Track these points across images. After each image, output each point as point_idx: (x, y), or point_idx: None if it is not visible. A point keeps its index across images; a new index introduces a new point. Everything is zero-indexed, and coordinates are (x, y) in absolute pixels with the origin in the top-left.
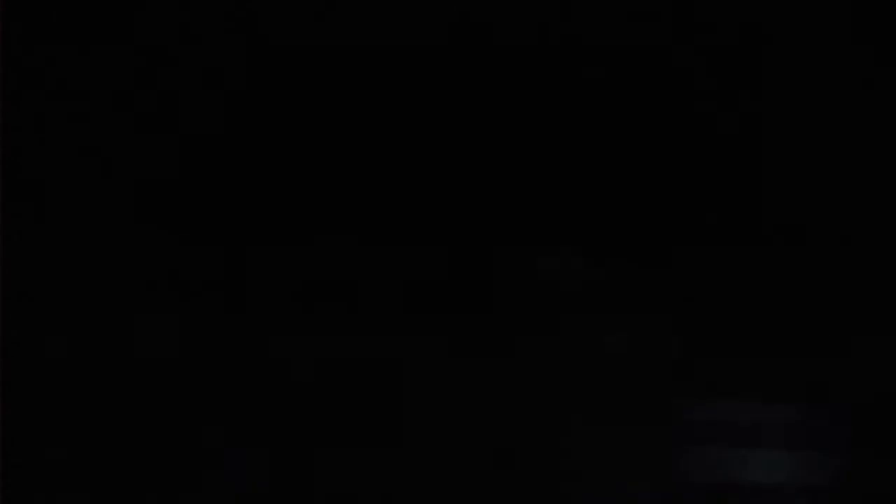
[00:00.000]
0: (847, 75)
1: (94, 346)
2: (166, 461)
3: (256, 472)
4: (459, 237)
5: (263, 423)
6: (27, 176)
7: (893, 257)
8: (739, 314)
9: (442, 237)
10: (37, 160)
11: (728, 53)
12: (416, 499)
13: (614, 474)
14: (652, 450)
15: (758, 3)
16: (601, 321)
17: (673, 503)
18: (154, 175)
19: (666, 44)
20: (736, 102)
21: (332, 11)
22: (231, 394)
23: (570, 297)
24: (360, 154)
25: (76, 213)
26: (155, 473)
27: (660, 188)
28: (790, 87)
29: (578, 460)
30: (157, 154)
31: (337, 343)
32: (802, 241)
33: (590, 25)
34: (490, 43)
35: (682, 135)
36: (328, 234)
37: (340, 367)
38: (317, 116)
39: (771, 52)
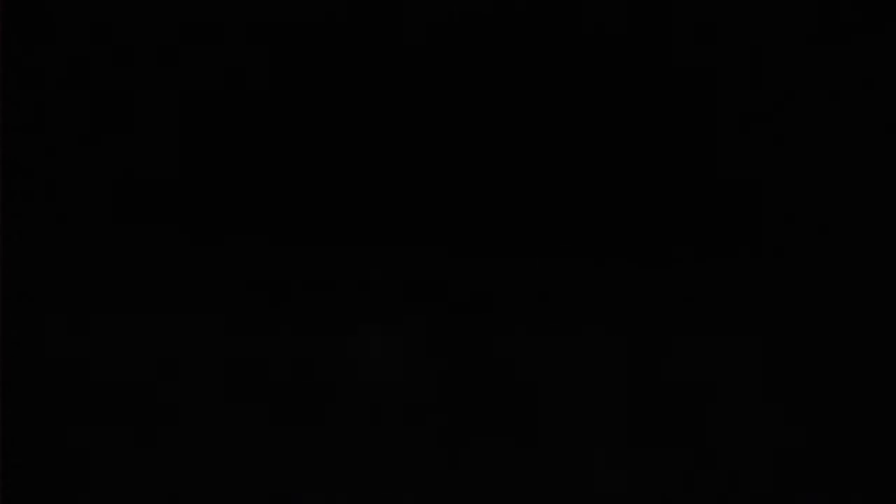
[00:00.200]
0: (847, 75)
1: (94, 346)
2: (166, 461)
3: (253, 470)
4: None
5: (261, 424)
6: (27, 176)
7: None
8: None
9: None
10: (37, 160)
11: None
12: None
13: None
14: None
15: (758, 3)
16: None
17: None
18: (154, 175)
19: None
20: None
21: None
22: (231, 393)
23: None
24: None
25: (76, 213)
26: (154, 473)
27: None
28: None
29: None
30: (157, 154)
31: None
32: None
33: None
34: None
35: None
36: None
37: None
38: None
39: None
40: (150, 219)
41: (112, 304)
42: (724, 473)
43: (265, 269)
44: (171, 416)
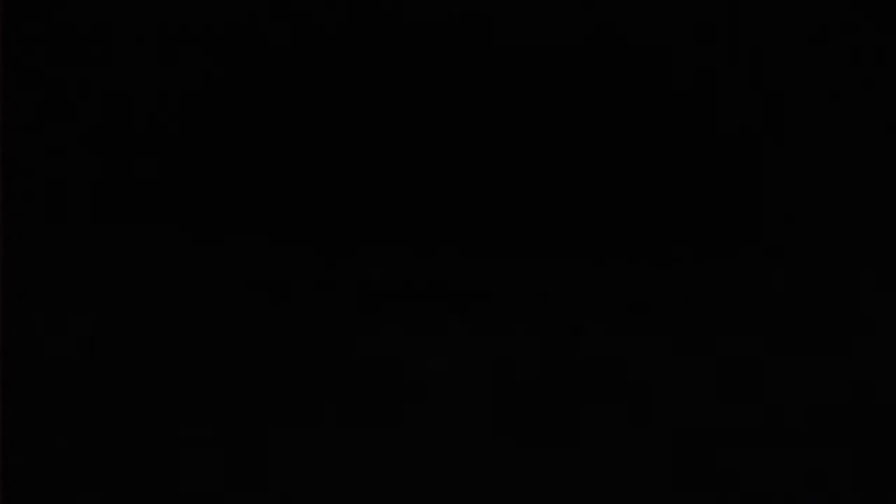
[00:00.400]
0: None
1: (94, 346)
2: (166, 461)
3: (253, 470)
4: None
5: (257, 422)
6: (27, 176)
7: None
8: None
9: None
10: (37, 160)
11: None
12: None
13: None
14: None
15: (758, 3)
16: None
17: None
18: (155, 175)
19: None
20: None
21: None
22: (229, 393)
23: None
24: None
25: (76, 213)
26: (155, 473)
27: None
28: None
29: None
30: (158, 154)
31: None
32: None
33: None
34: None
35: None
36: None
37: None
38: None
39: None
40: (151, 219)
41: (112, 304)
42: (725, 475)
43: (268, 269)
44: (172, 416)
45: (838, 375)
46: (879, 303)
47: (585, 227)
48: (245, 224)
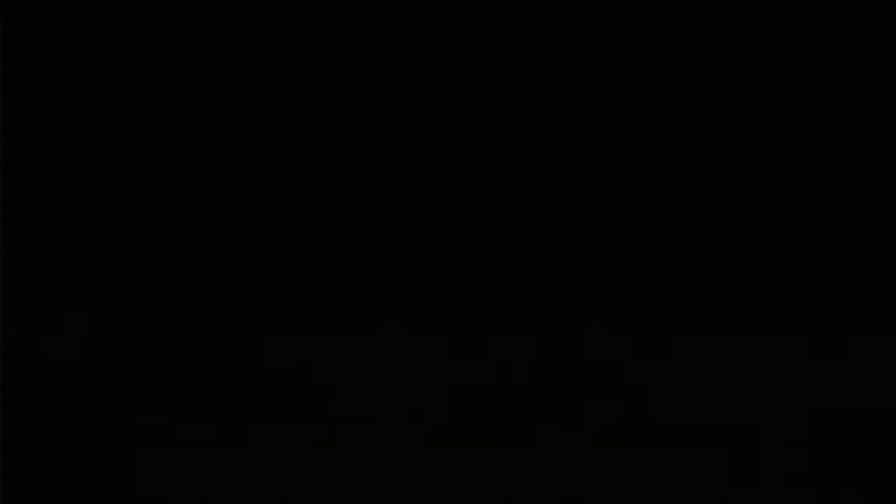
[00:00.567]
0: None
1: (94, 346)
2: (166, 461)
3: (254, 470)
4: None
5: (257, 422)
6: (27, 176)
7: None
8: None
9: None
10: (37, 160)
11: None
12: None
13: None
14: None
15: (758, 3)
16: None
17: None
18: (156, 175)
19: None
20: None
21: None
22: (229, 393)
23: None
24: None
25: (76, 213)
26: (154, 473)
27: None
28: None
29: None
30: (159, 154)
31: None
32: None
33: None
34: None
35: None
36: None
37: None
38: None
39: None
40: (151, 219)
41: (112, 304)
42: (725, 475)
43: (268, 269)
44: (171, 416)
45: (838, 375)
46: (879, 303)
47: (585, 227)
48: (245, 224)
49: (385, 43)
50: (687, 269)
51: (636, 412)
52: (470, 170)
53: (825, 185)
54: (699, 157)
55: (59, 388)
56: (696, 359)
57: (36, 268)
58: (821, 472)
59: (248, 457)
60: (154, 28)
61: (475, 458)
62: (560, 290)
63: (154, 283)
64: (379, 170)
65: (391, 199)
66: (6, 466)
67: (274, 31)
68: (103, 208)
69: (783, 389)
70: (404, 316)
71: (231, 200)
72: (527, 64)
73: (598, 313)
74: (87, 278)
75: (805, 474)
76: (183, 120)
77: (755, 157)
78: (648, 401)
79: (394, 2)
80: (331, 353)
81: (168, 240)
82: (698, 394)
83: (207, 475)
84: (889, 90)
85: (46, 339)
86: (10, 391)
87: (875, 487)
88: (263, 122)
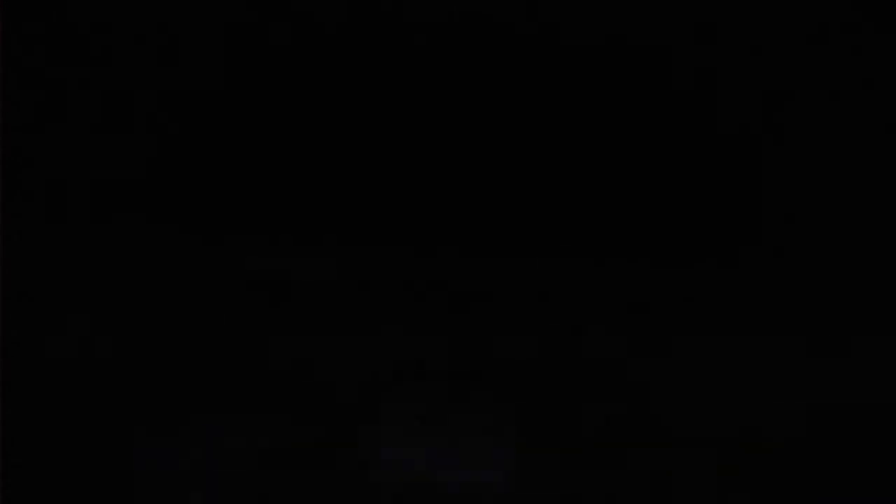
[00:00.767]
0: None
1: (94, 346)
2: (166, 460)
3: (254, 470)
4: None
5: (248, 421)
6: (27, 176)
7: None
8: None
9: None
10: (37, 160)
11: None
12: None
13: None
14: None
15: (758, 3)
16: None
17: None
18: (156, 175)
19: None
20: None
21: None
22: (229, 393)
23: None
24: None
25: (76, 213)
26: (154, 473)
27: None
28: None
29: None
30: (159, 154)
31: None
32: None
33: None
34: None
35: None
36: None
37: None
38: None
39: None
40: (151, 219)
41: (112, 304)
42: (725, 475)
43: (268, 269)
44: (171, 415)
45: (838, 375)
46: (879, 303)
47: (585, 227)
48: (245, 224)
49: (385, 43)
50: (687, 269)
51: (636, 412)
52: (470, 170)
53: (825, 185)
54: (699, 158)
55: (59, 388)
56: (696, 359)
57: (36, 268)
58: (821, 472)
59: (248, 456)
60: (154, 28)
61: (475, 457)
62: (560, 290)
63: (154, 282)
64: (379, 170)
65: (391, 199)
66: (6, 466)
67: (274, 31)
68: (103, 208)
69: (783, 389)
70: (404, 316)
71: (231, 200)
72: (527, 64)
73: (598, 313)
74: (87, 278)
75: (805, 474)
76: (183, 120)
77: (755, 157)
78: (648, 401)
79: (394, 2)
80: (331, 353)
81: (168, 240)
82: (698, 394)
83: (207, 475)
84: (889, 90)
85: (46, 339)
86: (10, 391)
87: (875, 487)
88: (263, 122)
